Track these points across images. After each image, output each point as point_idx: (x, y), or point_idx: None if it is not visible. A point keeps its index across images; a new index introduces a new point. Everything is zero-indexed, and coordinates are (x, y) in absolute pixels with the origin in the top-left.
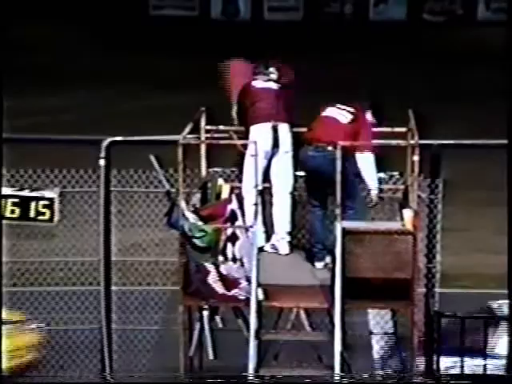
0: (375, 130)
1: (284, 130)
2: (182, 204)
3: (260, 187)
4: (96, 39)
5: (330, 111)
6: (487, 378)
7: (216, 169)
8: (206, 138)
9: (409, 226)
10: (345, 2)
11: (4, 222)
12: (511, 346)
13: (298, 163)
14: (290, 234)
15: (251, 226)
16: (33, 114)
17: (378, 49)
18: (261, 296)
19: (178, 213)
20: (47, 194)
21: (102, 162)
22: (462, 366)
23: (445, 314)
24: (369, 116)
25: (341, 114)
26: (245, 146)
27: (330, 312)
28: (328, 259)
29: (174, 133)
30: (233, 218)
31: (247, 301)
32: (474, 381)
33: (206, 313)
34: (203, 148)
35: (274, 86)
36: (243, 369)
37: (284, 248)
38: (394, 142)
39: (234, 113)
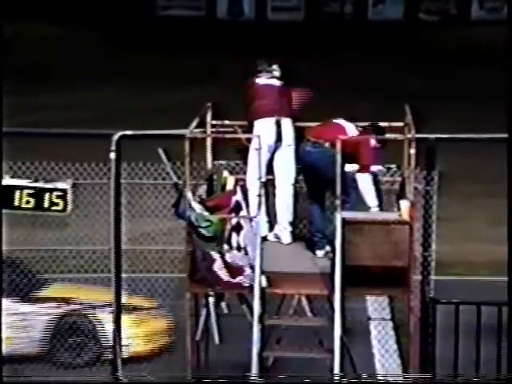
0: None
1: (287, 124)
2: (189, 195)
3: (263, 179)
4: (108, 39)
5: (340, 120)
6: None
7: (221, 161)
8: (212, 133)
9: (406, 217)
10: (344, 2)
11: (19, 212)
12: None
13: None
14: (291, 224)
15: (255, 216)
16: (49, 109)
17: (376, 47)
18: (264, 283)
19: (185, 203)
20: (61, 185)
21: (112, 156)
22: (456, 352)
23: (440, 300)
24: (373, 141)
25: (349, 125)
26: (249, 140)
27: (330, 298)
28: (328, 248)
29: (181, 127)
30: (237, 208)
31: (251, 288)
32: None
33: (211, 299)
34: (209, 142)
35: (276, 82)
36: (247, 352)
37: (286, 237)
38: (391, 136)
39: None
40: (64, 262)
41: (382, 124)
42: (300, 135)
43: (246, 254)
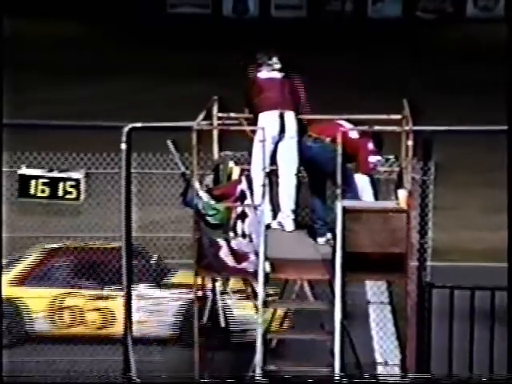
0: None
1: (290, 117)
2: (196, 184)
3: (267, 169)
4: (120, 36)
5: (343, 122)
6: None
7: (227, 152)
8: (218, 125)
9: (403, 205)
10: (345, 0)
11: (35, 200)
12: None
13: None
14: (294, 212)
15: (259, 205)
16: (63, 103)
17: (375, 44)
18: (268, 269)
19: (192, 193)
20: (74, 175)
21: (123, 147)
22: (450, 334)
23: (435, 285)
24: (371, 145)
25: (350, 127)
26: (254, 132)
27: (331, 283)
28: (329, 235)
29: (188, 120)
30: (242, 197)
31: (255, 273)
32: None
33: (218, 284)
34: (215, 133)
35: (278, 75)
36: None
37: (289, 225)
38: (389, 128)
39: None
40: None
41: (380, 116)
42: (302, 128)
43: (251, 240)
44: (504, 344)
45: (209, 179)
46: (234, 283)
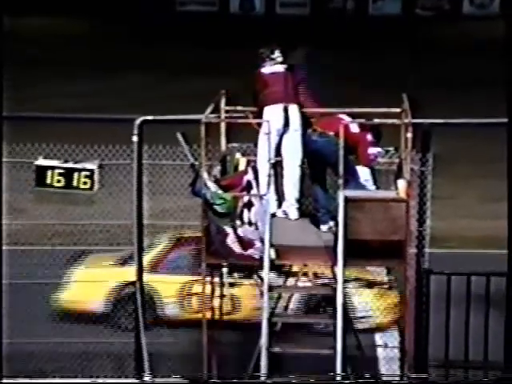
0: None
1: (293, 110)
2: (205, 175)
3: (272, 161)
4: (132, 34)
5: (344, 116)
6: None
7: (234, 144)
8: (226, 118)
9: (403, 195)
10: None
11: (51, 189)
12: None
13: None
14: (298, 201)
15: (265, 194)
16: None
17: (376, 41)
18: (273, 255)
19: (200, 183)
20: (88, 165)
21: (135, 139)
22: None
23: (433, 271)
24: (369, 137)
25: (351, 122)
26: (259, 125)
27: (333, 269)
28: (332, 223)
29: (197, 113)
30: (249, 187)
31: (261, 259)
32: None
33: (225, 269)
34: (223, 126)
35: (281, 68)
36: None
37: (293, 213)
38: (390, 120)
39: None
40: (91, 235)
41: (381, 110)
42: (306, 121)
43: (257, 228)
44: (498, 327)
45: (216, 170)
46: (352, 272)
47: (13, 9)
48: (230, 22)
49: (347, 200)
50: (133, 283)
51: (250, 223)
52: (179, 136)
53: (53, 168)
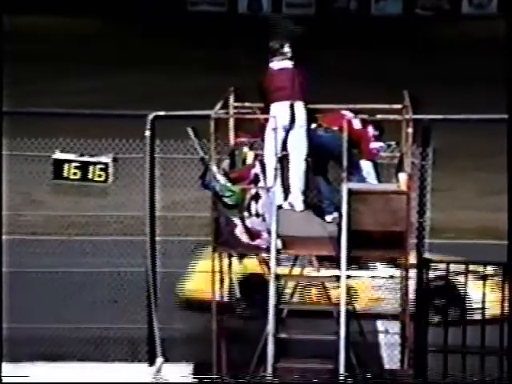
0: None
1: (299, 107)
2: (214, 168)
3: (279, 155)
4: (144, 33)
5: (347, 112)
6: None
7: (242, 139)
8: (234, 113)
9: (403, 187)
10: None
11: (68, 182)
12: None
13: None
14: (303, 193)
15: (271, 187)
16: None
17: (378, 40)
18: (279, 245)
19: (210, 176)
20: (103, 159)
21: (147, 133)
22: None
23: (432, 260)
24: (371, 129)
25: (354, 118)
26: (266, 121)
27: (337, 258)
28: (336, 214)
29: (207, 108)
30: (256, 180)
31: (268, 249)
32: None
33: (234, 259)
34: (232, 121)
35: (289, 64)
36: (265, 304)
37: (299, 205)
38: (391, 116)
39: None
40: (106, 226)
41: (383, 106)
42: (311, 117)
43: (264, 219)
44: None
45: (225, 163)
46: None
47: (13, 8)
48: (238, 22)
49: (350, 192)
50: (254, 275)
51: (257, 215)
52: (190, 131)
53: (69, 161)
